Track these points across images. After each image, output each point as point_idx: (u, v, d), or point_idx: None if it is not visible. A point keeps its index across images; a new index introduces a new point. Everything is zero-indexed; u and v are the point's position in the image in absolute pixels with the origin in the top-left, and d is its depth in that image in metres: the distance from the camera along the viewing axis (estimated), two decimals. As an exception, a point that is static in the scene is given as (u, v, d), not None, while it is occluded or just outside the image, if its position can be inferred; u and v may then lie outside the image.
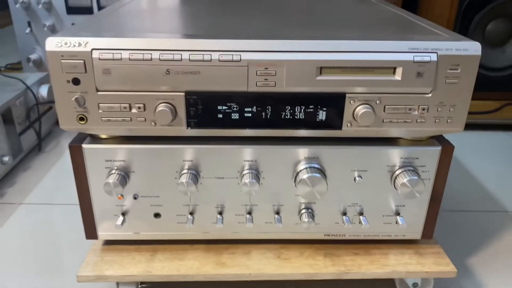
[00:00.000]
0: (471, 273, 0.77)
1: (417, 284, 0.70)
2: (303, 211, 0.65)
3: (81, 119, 0.57)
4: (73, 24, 1.37)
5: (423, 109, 0.57)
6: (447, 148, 0.61)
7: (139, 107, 0.56)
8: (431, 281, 0.70)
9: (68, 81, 0.55)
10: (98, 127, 0.58)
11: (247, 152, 0.61)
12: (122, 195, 0.64)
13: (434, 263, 0.67)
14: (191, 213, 0.65)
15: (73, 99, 0.55)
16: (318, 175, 0.60)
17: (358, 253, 0.68)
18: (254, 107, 0.57)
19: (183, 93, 0.56)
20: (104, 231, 0.66)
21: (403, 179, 0.61)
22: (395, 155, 0.61)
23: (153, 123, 0.57)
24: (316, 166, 0.61)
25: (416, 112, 0.58)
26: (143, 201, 0.64)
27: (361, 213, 0.66)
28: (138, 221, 0.66)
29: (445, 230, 0.88)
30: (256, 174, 0.62)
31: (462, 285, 0.74)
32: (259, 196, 0.64)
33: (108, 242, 0.71)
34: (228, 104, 0.57)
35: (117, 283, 0.68)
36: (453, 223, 0.91)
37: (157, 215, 0.65)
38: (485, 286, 0.74)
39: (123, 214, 0.65)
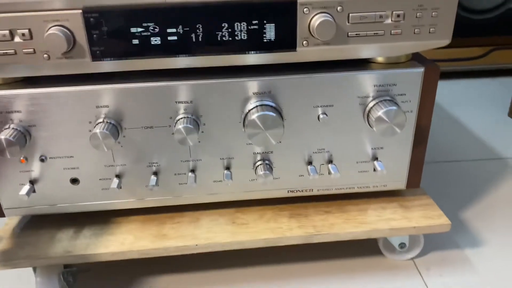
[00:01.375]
0: (466, 227, 0.66)
1: (404, 245, 0.58)
2: (259, 163, 0.52)
3: (-51, 55, 0.43)
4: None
5: (398, 16, 0.44)
6: (431, 70, 0.49)
7: (23, 34, 0.42)
8: (421, 239, 0.58)
9: None
10: (-27, 65, 0.44)
11: (180, 90, 0.47)
12: (25, 158, 0.50)
13: (423, 216, 0.55)
14: (118, 176, 0.52)
15: None
16: (270, 113, 0.47)
17: (330, 211, 0.56)
18: (180, 27, 0.44)
19: (79, 11, 0.42)
20: (11, 206, 0.53)
21: (378, 111, 0.48)
22: (367, 82, 0.48)
23: (45, 55, 0.43)
24: (269, 103, 0.48)
25: (389, 21, 0.44)
26: (53, 164, 0.50)
27: (330, 161, 0.53)
28: (52, 190, 0.52)
29: (435, 183, 0.76)
30: (194, 119, 0.48)
31: (456, 242, 0.63)
32: (202, 148, 0.51)
33: (25, 221, 0.57)
34: (144, 24, 0.43)
35: (34, 269, 0.55)
36: (444, 175, 0.79)
37: (74, 180, 0.52)
38: (483, 240, 0.63)
39: (32, 182, 0.51)
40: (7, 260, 0.51)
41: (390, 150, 0.53)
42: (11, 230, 0.56)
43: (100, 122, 0.47)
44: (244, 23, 0.44)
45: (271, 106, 0.48)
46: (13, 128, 0.47)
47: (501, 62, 1.26)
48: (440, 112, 1.06)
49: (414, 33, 0.45)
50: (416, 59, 0.51)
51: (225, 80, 0.47)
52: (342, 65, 0.48)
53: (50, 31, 0.41)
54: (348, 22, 0.44)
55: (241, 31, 0.44)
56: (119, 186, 0.51)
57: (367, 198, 0.57)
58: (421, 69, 0.48)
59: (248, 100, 0.48)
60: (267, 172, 0.51)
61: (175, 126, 0.48)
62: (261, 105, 0.48)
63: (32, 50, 0.43)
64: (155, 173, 0.52)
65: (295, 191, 0.55)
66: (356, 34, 0.45)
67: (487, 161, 0.84)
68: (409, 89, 0.49)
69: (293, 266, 0.59)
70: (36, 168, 0.50)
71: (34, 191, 0.51)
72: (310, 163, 0.53)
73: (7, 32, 0.42)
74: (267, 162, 0.52)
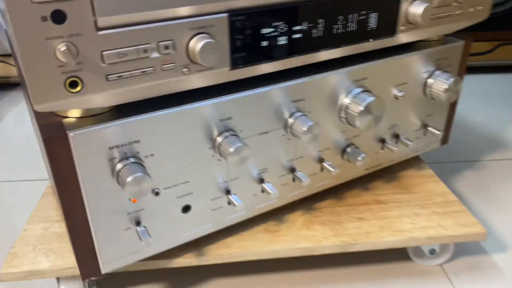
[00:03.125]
0: (492, 232, 0.65)
1: (434, 251, 0.57)
2: (349, 149, 0.54)
3: (73, 84, 0.34)
4: None
5: (463, -1, 0.52)
6: (467, 41, 0.58)
7: (166, 47, 0.36)
8: (451, 245, 0.57)
9: (45, 18, 0.31)
10: (102, 93, 0.35)
11: (295, 90, 0.46)
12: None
13: (458, 224, 0.54)
14: (229, 191, 0.48)
15: (59, 50, 0.32)
16: (372, 97, 0.50)
17: (363, 218, 0.55)
18: (305, 23, 0.43)
19: (225, 14, 0.38)
20: (111, 260, 0.44)
21: (444, 83, 0.55)
22: (433, 57, 0.55)
23: (185, 69, 0.38)
24: (365, 89, 0.51)
25: (455, 3, 0.52)
26: (168, 195, 0.44)
27: (396, 135, 0.59)
28: (159, 226, 0.45)
29: (455, 185, 0.73)
30: (306, 116, 0.48)
31: (483, 247, 0.62)
32: (305, 145, 0.51)
33: (45, 228, 0.52)
34: (275, 24, 0.41)
35: (57, 279, 0.50)
36: (459, 176, 0.76)
37: (186, 208, 0.46)
38: (510, 245, 0.62)
39: (138, 224, 0.43)
40: (30, 270, 0.46)
41: (436, 115, 0.61)
42: (32, 237, 0.48)
43: (226, 137, 0.43)
44: (355, 14, 0.46)
45: (369, 91, 0.51)
46: (132, 163, 0.39)
47: (507, 57, 1.19)
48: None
49: (469, 12, 0.54)
50: (448, 35, 0.60)
51: (329, 73, 0.48)
52: (402, 50, 0.54)
53: (202, 40, 0.36)
54: (435, 7, 0.50)
55: (352, 22, 0.46)
56: (238, 200, 0.47)
57: (399, 203, 0.58)
58: (462, 42, 0.58)
59: (347, 89, 0.50)
60: (363, 154, 0.54)
61: (291, 126, 0.47)
62: (362, 92, 0.50)
63: (173, 64, 0.37)
64: (262, 180, 0.50)
65: (370, 169, 0.59)
66: (437, 17, 0.51)
67: (502, 162, 0.80)
68: (454, 60, 0.58)
69: (323, 271, 0.58)
70: (147, 205, 0.43)
71: (149, 234, 0.43)
72: (383, 140, 0.58)
73: (147, 45, 0.35)
74: (354, 146, 0.55)
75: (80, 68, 0.33)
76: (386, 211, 0.57)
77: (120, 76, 0.35)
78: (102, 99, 0.36)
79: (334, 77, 0.49)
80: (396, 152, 0.59)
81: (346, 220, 0.56)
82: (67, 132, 0.36)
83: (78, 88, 0.34)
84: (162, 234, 0.46)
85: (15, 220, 0.68)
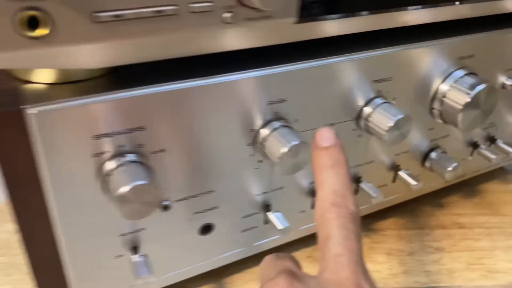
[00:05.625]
0: None
1: None
2: (434, 154, 0.39)
3: (33, 23, 0.19)
4: None
5: None
6: None
7: (199, -29, 0.21)
8: None
9: None
10: (86, 44, 0.20)
11: (378, 63, 0.31)
12: (132, 210, 0.27)
13: None
14: (267, 207, 0.33)
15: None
16: (485, 84, 0.35)
17: (443, 248, 0.41)
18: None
19: None
20: (93, 298, 0.30)
21: None
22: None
23: (228, 14, 0.23)
24: (469, 71, 0.36)
25: None
26: (181, 210, 0.29)
27: (491, 138, 0.43)
28: (166, 253, 0.31)
29: None
30: (392, 105, 0.33)
31: None
32: (380, 146, 0.36)
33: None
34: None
35: None
36: None
37: (207, 228, 0.31)
38: None
39: (134, 249, 0.29)
40: None
41: (542, 115, 0.46)
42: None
43: (277, 129, 0.28)
44: (481, -44, 0.30)
45: (475, 74, 0.36)
46: (131, 162, 0.25)
47: None
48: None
49: None
50: None
51: (425, 44, 0.33)
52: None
53: (262, -35, 0.21)
54: None
55: (474, -31, 0.30)
56: (285, 224, 0.32)
57: (485, 229, 0.43)
58: None
59: (445, 69, 0.35)
60: (455, 163, 0.39)
61: (368, 119, 0.32)
62: (467, 74, 0.35)
63: (209, 4, 0.22)
64: (313, 192, 0.35)
65: (449, 181, 0.44)
66: None
67: None
68: None
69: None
70: (150, 223, 0.28)
71: (149, 264, 0.29)
72: (474, 144, 0.42)
73: (167, -33, 0.20)
74: (441, 150, 0.40)
75: (44, -7, 0.18)
76: (471, 240, 0.42)
77: (118, 16, 0.20)
78: (86, 55, 0.21)
79: (432, 50, 0.33)
80: (492, 160, 0.43)
81: (420, 251, 0.41)
82: (21, 107, 0.21)
83: (44, 31, 0.19)
84: (169, 264, 0.31)
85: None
